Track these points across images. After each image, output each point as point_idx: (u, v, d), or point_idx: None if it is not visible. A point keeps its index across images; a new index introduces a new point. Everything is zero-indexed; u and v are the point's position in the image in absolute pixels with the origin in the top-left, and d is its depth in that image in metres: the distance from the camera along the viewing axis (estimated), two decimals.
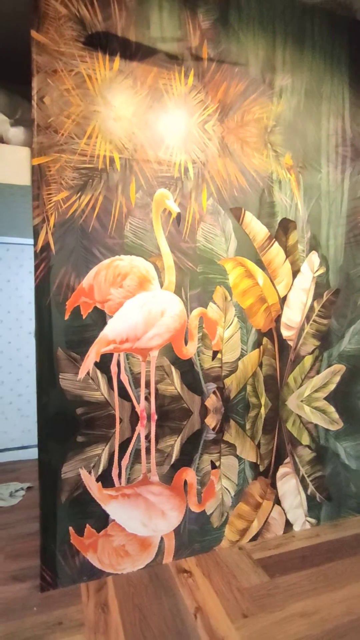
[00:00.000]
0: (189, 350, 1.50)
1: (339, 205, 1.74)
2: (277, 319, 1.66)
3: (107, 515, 1.42)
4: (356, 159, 1.76)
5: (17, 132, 1.30)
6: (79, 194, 1.33)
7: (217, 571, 1.48)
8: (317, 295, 1.73)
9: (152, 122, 1.41)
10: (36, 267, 1.30)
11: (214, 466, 1.59)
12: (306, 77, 1.65)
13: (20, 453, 2.47)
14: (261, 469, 1.67)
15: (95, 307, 1.37)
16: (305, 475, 1.76)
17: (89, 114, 1.33)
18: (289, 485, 1.73)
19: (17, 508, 1.93)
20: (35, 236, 1.29)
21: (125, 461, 1.45)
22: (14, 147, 1.27)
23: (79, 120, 1.31)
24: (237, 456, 1.63)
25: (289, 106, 1.63)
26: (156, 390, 1.47)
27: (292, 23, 1.60)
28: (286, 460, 1.72)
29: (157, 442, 1.49)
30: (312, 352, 1.74)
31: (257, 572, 1.49)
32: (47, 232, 1.30)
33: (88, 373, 1.37)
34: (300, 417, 1.74)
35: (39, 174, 1.28)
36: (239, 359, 1.60)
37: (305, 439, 1.76)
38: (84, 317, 1.36)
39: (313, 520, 1.79)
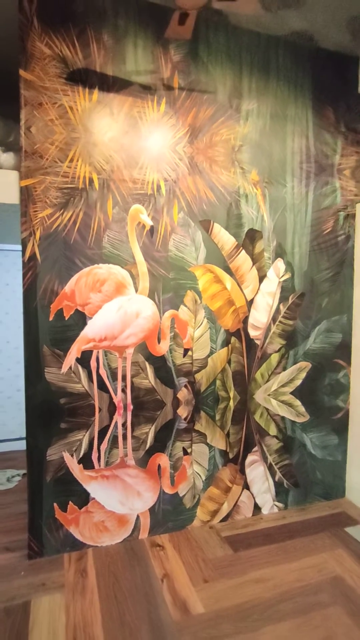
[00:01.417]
0: (162, 348, 1.67)
1: (303, 216, 1.91)
2: (245, 320, 1.83)
3: (87, 494, 1.61)
4: (319, 174, 1.93)
5: (8, 158, 1.49)
6: (61, 211, 1.51)
7: (187, 546, 1.66)
8: (283, 299, 1.89)
9: (128, 145, 1.59)
10: (24, 275, 1.49)
11: (185, 452, 1.76)
12: (271, 101, 1.82)
13: (18, 444, 2.67)
14: (230, 456, 1.84)
15: (77, 310, 1.56)
16: (273, 463, 1.93)
17: (71, 141, 1.51)
18: (257, 472, 1.90)
19: (13, 491, 2.13)
20: (24, 248, 1.48)
21: (104, 446, 1.63)
22: (5, 170, 1.46)
23: (62, 146, 1.50)
24: (207, 444, 1.80)
25: (255, 128, 1.80)
26: (132, 383, 1.65)
27: (257, 53, 1.77)
28: (254, 449, 1.89)
29: (133, 429, 1.67)
30: (279, 350, 1.91)
31: (223, 547, 1.66)
32: (33, 244, 1.49)
33: (70, 367, 1.56)
34: (267, 409, 1.91)
35: (26, 194, 1.46)
36: (208, 356, 1.77)
37: (273, 430, 1.92)
38: (66, 319, 1.55)
39: (281, 505, 1.95)
